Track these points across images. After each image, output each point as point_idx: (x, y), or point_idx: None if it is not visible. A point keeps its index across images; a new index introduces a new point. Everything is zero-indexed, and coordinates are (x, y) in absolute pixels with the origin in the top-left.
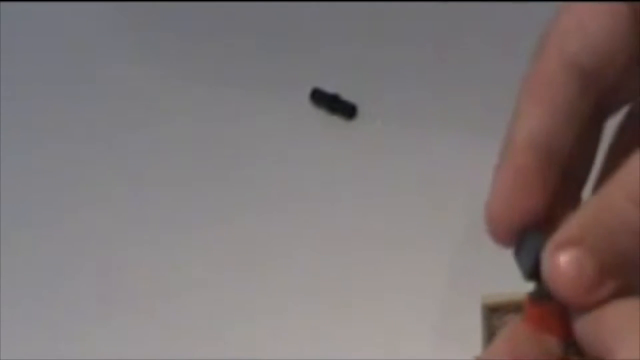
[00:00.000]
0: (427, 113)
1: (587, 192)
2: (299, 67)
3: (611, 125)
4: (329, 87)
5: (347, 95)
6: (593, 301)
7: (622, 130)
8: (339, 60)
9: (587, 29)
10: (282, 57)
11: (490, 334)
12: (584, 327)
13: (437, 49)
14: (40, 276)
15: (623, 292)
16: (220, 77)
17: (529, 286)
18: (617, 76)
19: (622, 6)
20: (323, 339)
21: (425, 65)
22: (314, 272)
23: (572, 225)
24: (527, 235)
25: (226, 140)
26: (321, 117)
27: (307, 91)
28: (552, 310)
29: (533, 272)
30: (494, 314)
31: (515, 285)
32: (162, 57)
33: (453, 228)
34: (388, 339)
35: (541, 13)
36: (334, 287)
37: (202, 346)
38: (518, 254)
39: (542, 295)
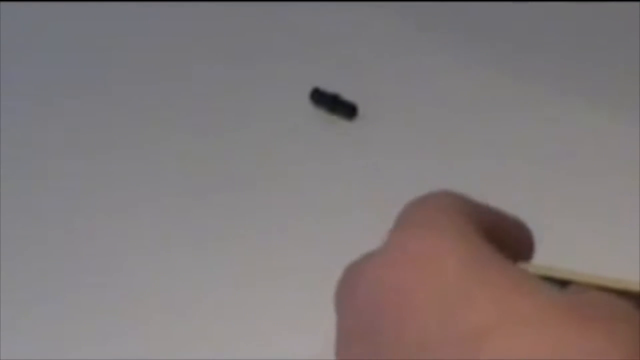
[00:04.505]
0: (427, 113)
1: None
2: (299, 67)
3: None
4: (329, 87)
5: (347, 95)
6: None
7: None
8: (339, 60)
9: None
10: (282, 57)
11: None
12: None
13: (437, 49)
14: (42, 277)
15: None
16: (220, 77)
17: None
18: None
19: None
20: (321, 339)
21: (425, 66)
22: (314, 271)
23: None
24: None
25: (226, 141)
26: (321, 117)
27: (307, 91)
28: None
29: None
30: None
31: None
32: (158, 61)
33: None
34: None
35: (543, 13)
36: (333, 286)
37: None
38: None
39: None
